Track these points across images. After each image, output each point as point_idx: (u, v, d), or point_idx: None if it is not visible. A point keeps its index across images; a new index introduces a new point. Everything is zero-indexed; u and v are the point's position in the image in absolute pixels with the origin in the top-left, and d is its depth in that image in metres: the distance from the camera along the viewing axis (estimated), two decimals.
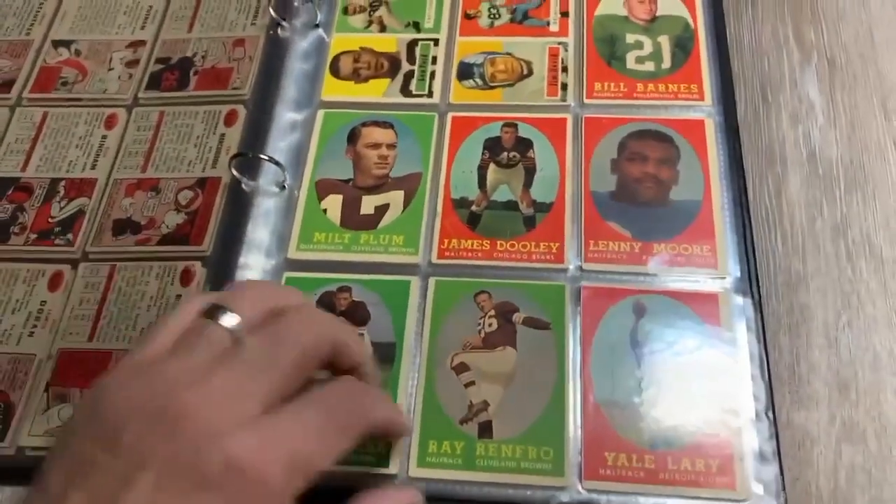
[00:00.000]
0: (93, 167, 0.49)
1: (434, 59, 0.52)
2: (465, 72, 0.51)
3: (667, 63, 0.50)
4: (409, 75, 0.51)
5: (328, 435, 0.32)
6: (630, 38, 0.51)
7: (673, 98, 0.48)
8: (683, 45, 0.50)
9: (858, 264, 0.43)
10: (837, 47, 0.51)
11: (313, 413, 0.31)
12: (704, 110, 0.48)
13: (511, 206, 0.46)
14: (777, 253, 0.44)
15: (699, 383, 0.39)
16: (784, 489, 0.37)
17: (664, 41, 0.51)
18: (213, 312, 0.32)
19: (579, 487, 0.38)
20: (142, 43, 0.54)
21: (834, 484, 0.38)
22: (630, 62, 0.50)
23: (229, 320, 0.32)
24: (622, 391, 0.40)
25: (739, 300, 0.41)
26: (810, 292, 0.43)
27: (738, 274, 0.42)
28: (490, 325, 0.42)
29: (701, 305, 0.41)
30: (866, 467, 0.38)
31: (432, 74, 0.51)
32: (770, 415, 0.38)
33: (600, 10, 0.53)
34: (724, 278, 0.42)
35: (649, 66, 0.50)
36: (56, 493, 0.28)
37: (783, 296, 0.43)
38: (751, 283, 0.42)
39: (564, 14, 0.52)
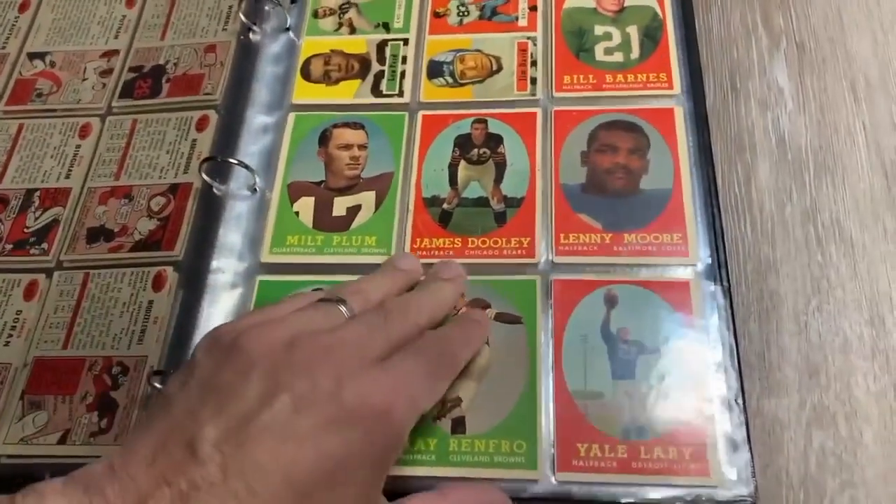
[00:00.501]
0: (67, 176, 0.49)
1: (404, 59, 0.52)
2: (435, 70, 0.51)
3: (635, 53, 0.50)
4: (379, 76, 0.51)
5: (433, 379, 0.36)
6: (599, 29, 0.51)
7: (642, 88, 0.48)
8: (652, 35, 0.50)
9: (828, 249, 0.43)
10: (807, 31, 0.50)
11: (422, 360, 0.36)
12: (673, 99, 0.48)
13: (482, 202, 0.46)
14: (747, 239, 0.44)
15: (671, 372, 0.39)
16: (755, 476, 0.37)
17: (633, 31, 0.51)
18: (328, 300, 0.37)
19: (552, 479, 0.38)
20: (115, 52, 0.54)
21: (805, 469, 0.38)
22: (599, 54, 0.50)
23: (343, 306, 0.36)
24: (594, 382, 0.40)
25: (710, 287, 0.41)
26: (780, 278, 0.43)
27: (709, 261, 0.42)
28: None
29: (672, 294, 0.41)
30: (836, 451, 0.38)
31: (402, 74, 0.51)
32: (740, 402, 0.38)
33: (568, 4, 0.53)
34: (694, 265, 0.42)
35: (618, 57, 0.50)
36: (187, 408, 0.31)
37: (753, 282, 0.43)
38: (720, 270, 0.42)
39: (533, 8, 0.53)
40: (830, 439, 0.38)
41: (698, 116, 0.47)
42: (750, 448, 0.37)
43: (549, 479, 0.38)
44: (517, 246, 0.44)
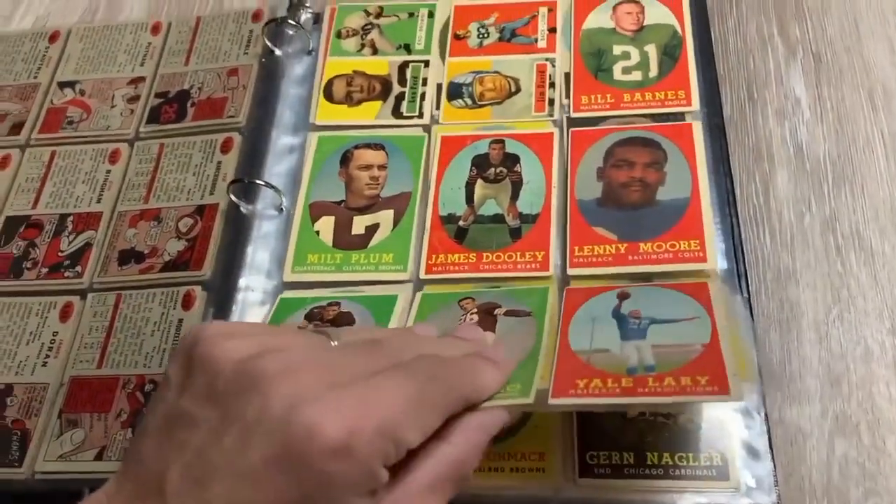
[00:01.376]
0: (98, 201, 0.51)
1: (424, 81, 0.53)
2: (455, 92, 0.52)
3: (654, 71, 0.50)
4: (400, 97, 0.52)
5: (418, 406, 0.29)
6: (617, 49, 0.51)
7: (660, 106, 0.49)
8: (671, 53, 0.50)
9: (848, 258, 0.43)
10: (823, 42, 0.51)
11: (408, 382, 0.29)
12: (692, 114, 0.48)
13: (497, 219, 0.46)
14: (766, 249, 0.44)
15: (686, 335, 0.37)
16: (777, 485, 0.37)
17: (651, 50, 0.51)
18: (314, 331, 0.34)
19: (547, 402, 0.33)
20: (141, 79, 0.56)
21: (827, 478, 0.38)
22: (617, 73, 0.50)
23: (327, 336, 0.32)
24: (601, 343, 0.37)
25: (729, 297, 0.42)
26: (800, 287, 0.43)
27: (727, 271, 0.42)
28: (471, 319, 0.42)
29: (690, 289, 0.41)
30: (859, 460, 0.38)
31: (422, 96, 0.52)
32: (762, 411, 0.38)
33: (587, 25, 0.53)
34: (710, 273, 0.42)
35: (636, 76, 0.50)
36: (155, 448, 0.28)
37: (773, 292, 0.43)
38: (740, 280, 0.42)
39: (552, 30, 0.53)
40: (853, 448, 0.38)
41: (715, 127, 0.47)
42: (772, 457, 0.37)
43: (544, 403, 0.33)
44: (531, 260, 0.44)
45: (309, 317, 0.44)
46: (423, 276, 0.45)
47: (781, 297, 0.43)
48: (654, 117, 0.48)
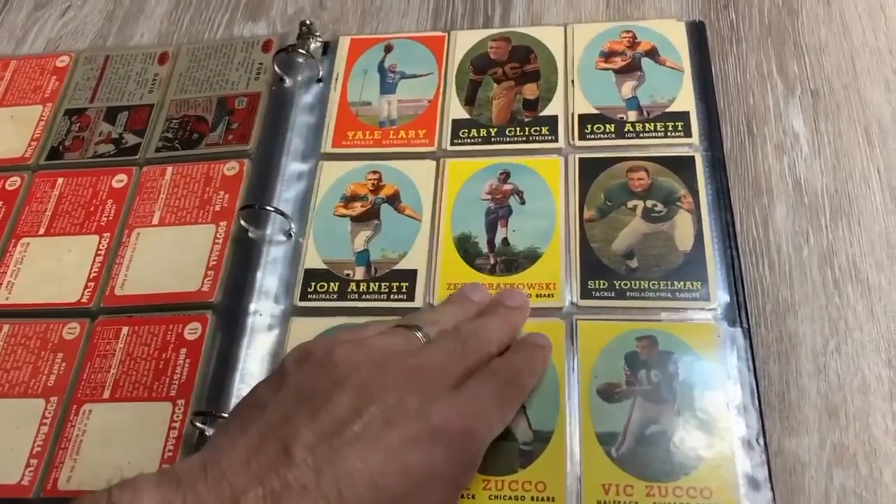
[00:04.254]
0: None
1: None
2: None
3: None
4: None
5: (503, 405, 0.38)
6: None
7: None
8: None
9: (845, 290, 0.44)
10: (820, 78, 0.52)
11: (494, 388, 0.38)
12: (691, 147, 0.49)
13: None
14: (766, 281, 0.45)
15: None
16: None
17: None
18: (405, 326, 0.39)
19: None
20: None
21: None
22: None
23: (419, 332, 0.39)
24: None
25: (730, 329, 0.43)
26: (799, 319, 0.44)
27: (727, 303, 0.44)
28: None
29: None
30: (857, 491, 0.39)
31: None
32: (761, 442, 0.39)
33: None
34: (714, 309, 0.43)
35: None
36: (282, 413, 0.33)
37: (772, 324, 0.44)
38: (740, 311, 0.43)
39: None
40: (851, 479, 0.39)
41: (716, 161, 0.48)
42: (772, 487, 0.38)
43: None
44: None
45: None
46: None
47: (780, 328, 0.44)
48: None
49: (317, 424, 0.32)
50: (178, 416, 0.44)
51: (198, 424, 0.42)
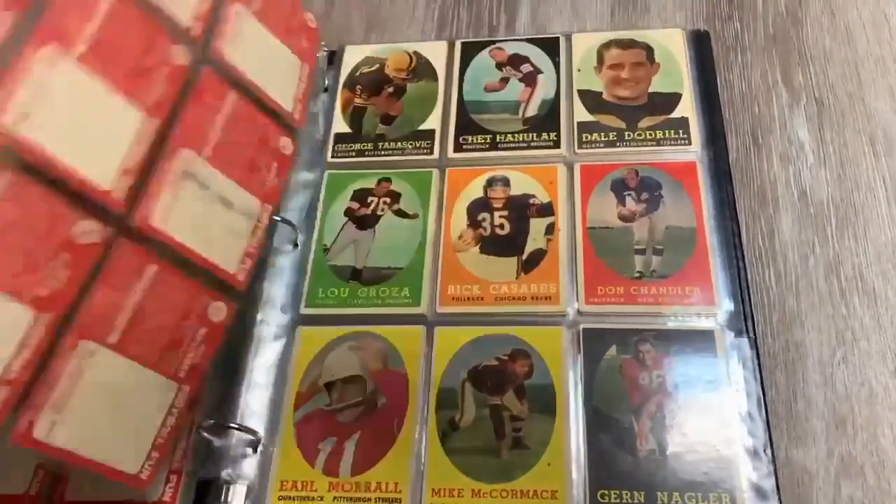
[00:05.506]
0: None
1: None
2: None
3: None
4: None
5: None
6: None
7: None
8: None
9: (852, 301, 0.44)
10: (825, 87, 0.52)
11: None
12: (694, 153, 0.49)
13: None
14: (772, 291, 0.45)
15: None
16: None
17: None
18: None
19: None
20: None
21: None
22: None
23: None
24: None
25: (735, 339, 0.43)
26: (805, 329, 0.44)
27: (732, 310, 0.44)
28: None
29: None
30: (865, 502, 0.39)
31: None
32: (768, 452, 0.39)
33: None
34: (717, 315, 0.44)
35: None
36: None
37: (778, 333, 0.44)
38: (746, 322, 0.43)
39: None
40: (859, 489, 0.39)
41: (721, 171, 0.48)
42: (779, 498, 0.38)
43: None
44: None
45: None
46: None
47: (787, 338, 0.44)
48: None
49: None
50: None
51: (205, 435, 0.42)
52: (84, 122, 0.36)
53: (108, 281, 0.37)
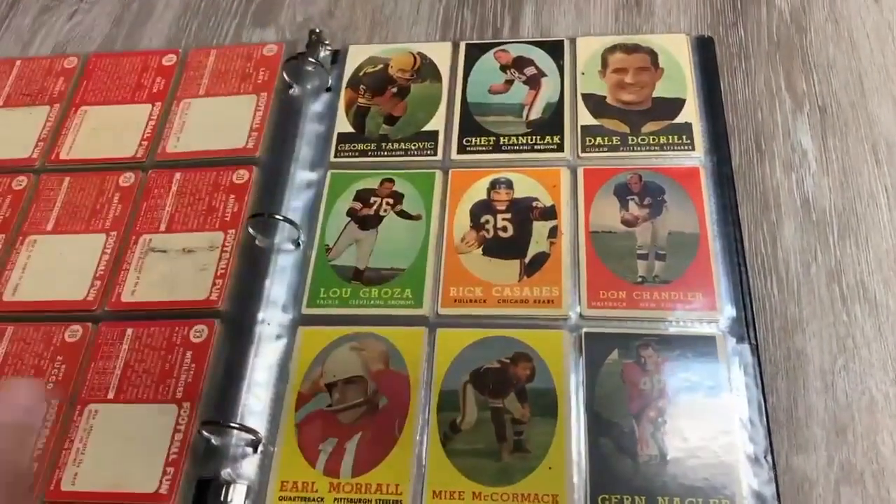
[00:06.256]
0: None
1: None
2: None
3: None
4: None
5: None
6: None
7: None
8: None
9: (853, 309, 0.45)
10: (829, 95, 0.52)
11: None
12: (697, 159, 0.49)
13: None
14: (774, 298, 0.46)
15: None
16: None
17: None
18: None
19: None
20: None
21: None
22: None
23: None
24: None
25: (736, 345, 0.43)
26: (806, 337, 0.44)
27: (734, 315, 0.44)
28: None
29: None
30: None
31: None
32: (769, 458, 0.39)
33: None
34: (718, 321, 0.44)
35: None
36: None
37: (780, 341, 0.44)
38: (748, 328, 0.43)
39: None
40: (858, 497, 0.39)
41: (724, 177, 0.48)
42: None
43: None
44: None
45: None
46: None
47: (788, 345, 0.44)
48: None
49: None
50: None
51: (205, 434, 0.42)
52: (60, 266, 0.51)
53: (96, 357, 0.47)
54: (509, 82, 0.55)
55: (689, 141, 0.50)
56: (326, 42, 0.58)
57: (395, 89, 0.56)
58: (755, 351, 0.43)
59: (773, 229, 0.48)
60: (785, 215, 0.48)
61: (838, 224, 0.47)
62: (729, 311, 0.44)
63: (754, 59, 0.54)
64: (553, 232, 0.48)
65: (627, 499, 0.39)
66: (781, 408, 0.42)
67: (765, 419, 0.41)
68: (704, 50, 0.54)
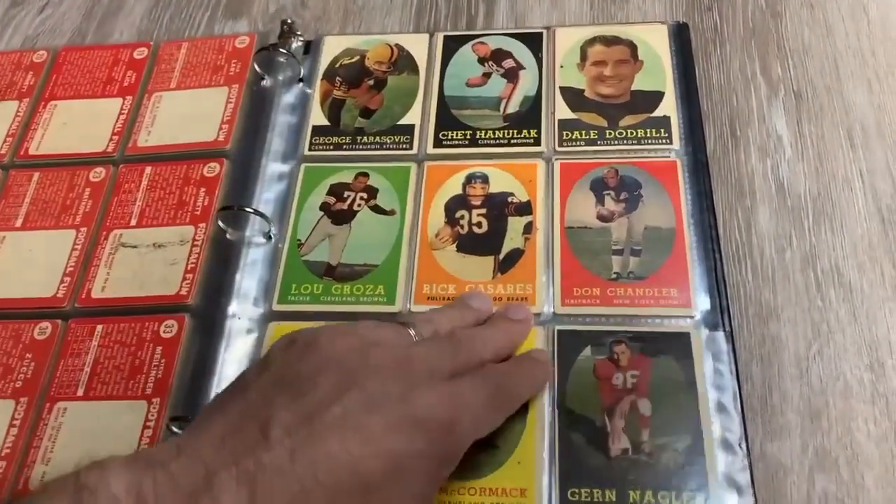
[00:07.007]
0: None
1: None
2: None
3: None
4: None
5: (491, 409, 0.37)
6: None
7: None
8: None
9: (828, 294, 0.44)
10: (804, 80, 0.52)
11: (483, 389, 0.37)
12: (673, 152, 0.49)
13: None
14: (748, 285, 0.45)
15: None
16: None
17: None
18: (398, 322, 0.39)
19: None
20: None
21: None
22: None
23: (412, 329, 0.38)
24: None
25: (710, 334, 0.42)
26: (781, 323, 0.44)
27: (709, 308, 0.43)
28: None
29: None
30: (839, 496, 0.39)
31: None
32: (743, 446, 0.39)
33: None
34: (693, 317, 0.43)
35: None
36: (262, 394, 0.33)
37: (755, 327, 0.44)
38: (722, 315, 0.43)
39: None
40: (833, 483, 0.39)
41: (699, 164, 0.48)
42: (754, 492, 0.38)
43: None
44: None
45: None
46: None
47: (763, 332, 0.44)
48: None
49: (296, 406, 0.31)
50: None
51: (174, 429, 0.42)
52: (30, 262, 0.50)
53: (65, 354, 0.46)
54: (487, 75, 0.55)
55: (667, 135, 0.49)
56: (298, 33, 0.57)
57: (371, 82, 0.55)
58: (729, 338, 0.42)
59: (747, 215, 0.47)
60: (760, 201, 0.48)
61: (813, 209, 0.47)
62: (704, 302, 0.43)
63: (729, 44, 0.54)
64: (528, 228, 0.47)
65: (598, 492, 0.39)
66: (756, 395, 0.42)
67: (739, 407, 0.40)
68: (679, 36, 0.54)
